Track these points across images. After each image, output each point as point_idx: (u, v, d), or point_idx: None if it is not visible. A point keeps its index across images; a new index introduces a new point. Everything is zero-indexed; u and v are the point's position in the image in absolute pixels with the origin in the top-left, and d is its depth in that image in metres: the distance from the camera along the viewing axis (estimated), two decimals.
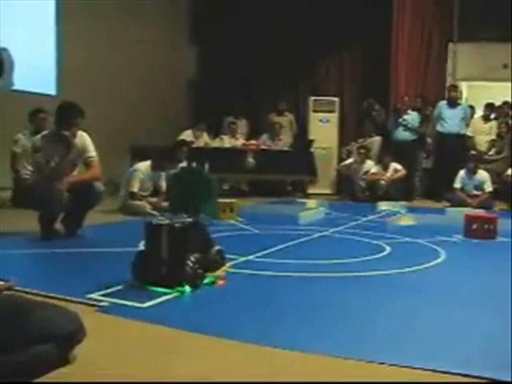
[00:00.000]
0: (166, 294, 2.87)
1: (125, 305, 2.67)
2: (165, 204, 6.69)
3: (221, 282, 3.15)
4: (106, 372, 1.93)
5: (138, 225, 5.68)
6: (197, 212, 3.27)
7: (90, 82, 8.46)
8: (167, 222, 3.06)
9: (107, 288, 2.91)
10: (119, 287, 2.95)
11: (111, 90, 9.01)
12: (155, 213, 6.44)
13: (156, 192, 6.73)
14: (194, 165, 3.80)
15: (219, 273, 3.26)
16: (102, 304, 2.67)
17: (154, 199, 6.63)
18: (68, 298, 2.72)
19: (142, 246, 3.93)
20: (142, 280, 3.01)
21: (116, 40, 9.27)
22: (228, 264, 3.48)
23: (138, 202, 6.45)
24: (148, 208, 6.44)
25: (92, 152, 4.68)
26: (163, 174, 6.82)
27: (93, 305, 2.66)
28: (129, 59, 9.59)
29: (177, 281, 2.93)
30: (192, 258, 3.01)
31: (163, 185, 6.77)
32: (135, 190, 6.48)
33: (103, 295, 2.80)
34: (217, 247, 3.38)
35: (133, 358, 2.08)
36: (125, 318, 2.50)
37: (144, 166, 6.63)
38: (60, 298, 2.70)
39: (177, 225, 3.03)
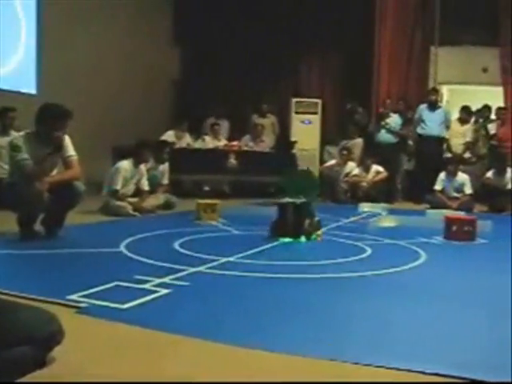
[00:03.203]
0: (287, 242, 4.72)
1: (104, 306, 2.65)
2: (146, 205, 6.67)
3: (319, 239, 4.97)
4: (84, 373, 1.91)
5: (118, 225, 5.71)
6: (306, 196, 5.10)
7: (70, 81, 8.40)
8: (291, 201, 4.97)
9: (87, 289, 2.88)
10: (99, 288, 2.93)
11: (92, 89, 8.94)
12: (136, 214, 6.42)
13: (138, 192, 6.69)
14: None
15: (319, 233, 5.06)
16: (81, 305, 2.64)
17: (135, 200, 6.60)
18: (47, 299, 2.69)
19: (123, 249, 3.91)
20: (277, 234, 4.83)
21: (97, 40, 9.21)
22: (323, 229, 5.21)
23: (119, 203, 6.40)
24: (129, 209, 6.40)
25: (71, 151, 4.63)
26: (145, 174, 6.79)
27: (72, 306, 2.64)
28: (111, 59, 9.54)
29: (297, 234, 4.83)
30: (306, 222, 4.91)
31: (145, 184, 6.74)
32: (118, 187, 6.43)
33: (83, 296, 2.77)
34: (317, 218, 5.10)
35: (111, 359, 2.06)
36: (104, 319, 2.49)
37: (127, 163, 6.58)
38: (39, 300, 2.67)
39: (297, 202, 4.95)
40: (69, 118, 4.53)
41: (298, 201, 4.99)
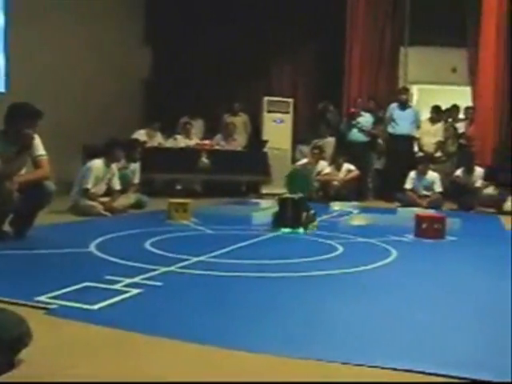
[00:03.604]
0: (288, 232, 5.35)
1: (74, 307, 2.61)
2: (117, 204, 6.61)
3: (314, 229, 5.55)
4: (53, 374, 1.88)
5: (89, 225, 5.65)
6: (302, 192, 6.07)
7: (40, 80, 8.27)
8: (290, 196, 5.75)
9: (56, 290, 2.84)
10: (69, 289, 2.89)
11: (62, 88, 8.82)
12: (107, 213, 6.35)
13: (109, 192, 6.62)
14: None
15: (314, 224, 5.67)
16: (50, 306, 2.60)
17: (106, 199, 6.53)
18: (15, 300, 2.65)
19: (93, 249, 3.86)
20: (278, 226, 5.47)
21: (67, 38, 9.08)
22: (317, 220, 5.77)
23: (90, 202, 6.33)
24: (100, 208, 6.33)
25: (41, 150, 4.56)
26: (117, 173, 6.72)
27: (41, 307, 2.59)
28: (81, 58, 9.41)
29: (296, 225, 5.43)
30: (303, 214, 5.53)
31: (117, 184, 6.67)
32: (89, 186, 6.34)
33: (52, 297, 2.73)
34: (313, 211, 5.71)
35: (82, 361, 2.04)
36: (74, 320, 2.45)
37: (98, 162, 6.51)
38: (7, 302, 2.62)
39: (295, 198, 5.64)
40: (38, 117, 4.46)
41: (296, 196, 5.71)
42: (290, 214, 5.51)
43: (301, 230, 5.43)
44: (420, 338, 2.37)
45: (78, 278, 3.11)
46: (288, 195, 5.86)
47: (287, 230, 5.42)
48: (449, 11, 10.14)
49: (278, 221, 5.53)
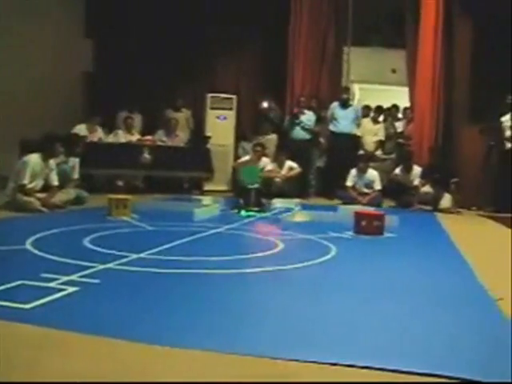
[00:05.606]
0: (250, 215, 6.52)
1: (7, 306, 2.53)
2: (55, 200, 6.45)
3: (269, 213, 6.94)
4: None
5: (24, 222, 5.49)
6: (256, 183, 7.16)
7: None
8: (253, 186, 7.03)
9: None
10: (2, 288, 2.80)
11: None
12: (44, 209, 6.19)
13: (47, 187, 6.46)
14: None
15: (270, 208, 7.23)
16: None
17: (43, 195, 6.36)
18: None
19: (29, 246, 3.75)
20: (241, 210, 6.79)
21: (7, 31, 8.79)
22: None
23: (26, 198, 6.15)
24: (37, 204, 6.16)
25: None
26: (55, 168, 6.56)
27: None
28: (20, 51, 9.12)
29: (258, 210, 6.82)
30: (263, 201, 7.08)
31: (55, 179, 6.51)
32: (26, 181, 6.16)
33: None
34: (265, 200, 7.23)
35: (14, 362, 1.98)
36: (6, 320, 2.37)
37: (35, 157, 6.33)
38: None
39: (256, 187, 7.06)
40: None
41: (256, 186, 7.10)
42: (253, 200, 6.91)
43: (262, 212, 6.78)
44: (362, 334, 2.41)
45: (13, 276, 3.02)
46: (250, 186, 7.06)
47: (250, 213, 6.66)
48: (389, 12, 10.38)
49: (243, 206, 6.89)
